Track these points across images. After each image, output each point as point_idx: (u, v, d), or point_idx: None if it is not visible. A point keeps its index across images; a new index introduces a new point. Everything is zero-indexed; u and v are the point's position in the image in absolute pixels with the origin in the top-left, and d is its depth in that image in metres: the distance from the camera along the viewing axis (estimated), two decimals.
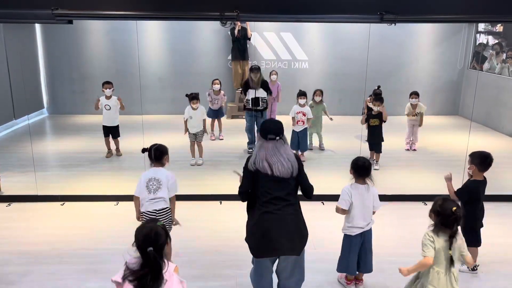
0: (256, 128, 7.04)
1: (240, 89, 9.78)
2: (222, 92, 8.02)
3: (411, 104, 7.34)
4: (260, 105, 6.94)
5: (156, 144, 3.78)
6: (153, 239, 2.27)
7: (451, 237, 2.83)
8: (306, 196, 3.16)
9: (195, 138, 6.64)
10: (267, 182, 2.97)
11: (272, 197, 2.95)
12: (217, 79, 8.01)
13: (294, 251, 2.93)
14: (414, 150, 7.51)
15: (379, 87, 7.69)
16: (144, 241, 2.26)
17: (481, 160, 3.72)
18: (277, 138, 3.00)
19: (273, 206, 2.94)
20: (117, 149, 7.19)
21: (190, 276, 3.77)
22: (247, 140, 7.35)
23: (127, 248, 2.36)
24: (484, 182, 3.82)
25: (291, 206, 2.98)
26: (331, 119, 7.28)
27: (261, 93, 6.95)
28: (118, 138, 7.16)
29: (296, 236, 2.94)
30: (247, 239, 3.06)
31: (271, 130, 3.01)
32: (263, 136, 3.03)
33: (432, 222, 2.91)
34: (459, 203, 2.87)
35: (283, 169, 2.95)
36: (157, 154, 3.73)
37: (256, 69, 6.93)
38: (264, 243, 2.92)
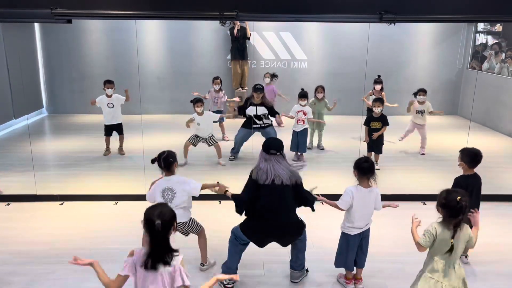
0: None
1: (240, 88, 9.81)
2: (222, 91, 8.01)
3: (418, 102, 7.15)
4: (264, 121, 6.73)
5: (165, 152, 3.75)
6: (161, 214, 2.38)
7: (455, 227, 2.80)
8: (309, 206, 3.65)
9: (196, 142, 6.59)
10: (266, 191, 3.37)
11: (269, 205, 3.40)
12: (218, 78, 7.98)
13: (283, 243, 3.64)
14: (423, 154, 7.32)
15: (379, 76, 7.72)
16: (152, 215, 2.37)
17: (471, 158, 3.85)
18: (278, 153, 3.45)
19: (269, 213, 3.41)
20: (121, 147, 7.15)
21: (189, 276, 3.77)
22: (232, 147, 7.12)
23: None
24: (474, 176, 3.89)
25: (285, 214, 3.46)
26: (335, 101, 7.26)
27: (262, 110, 6.70)
28: (123, 136, 7.10)
29: (284, 237, 3.56)
30: (243, 226, 3.57)
31: (273, 146, 3.48)
32: (265, 151, 3.47)
33: (440, 216, 2.89)
34: (464, 192, 2.84)
35: (283, 178, 3.37)
36: (166, 164, 3.73)
37: (259, 90, 6.65)
38: (256, 238, 3.55)
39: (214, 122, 8.00)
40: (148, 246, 2.41)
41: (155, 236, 2.37)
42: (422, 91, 7.14)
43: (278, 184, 3.36)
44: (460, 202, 2.74)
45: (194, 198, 5.35)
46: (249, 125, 6.77)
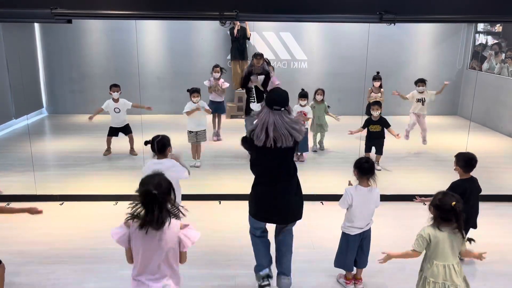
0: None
1: (240, 88, 9.79)
2: (221, 80, 8.00)
3: (418, 92, 7.22)
4: (264, 96, 6.65)
5: (159, 136, 3.78)
6: (157, 184, 2.34)
7: (459, 230, 2.82)
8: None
9: (196, 139, 6.58)
10: (264, 153, 3.09)
11: (267, 170, 3.16)
12: (218, 67, 7.96)
13: (283, 222, 3.31)
14: (425, 143, 7.42)
15: (378, 73, 7.74)
16: (149, 184, 2.33)
17: (466, 163, 3.87)
18: (282, 109, 3.05)
19: (267, 179, 3.17)
20: (132, 147, 7.13)
21: (189, 276, 3.77)
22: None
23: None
24: (471, 180, 3.91)
25: (284, 180, 3.18)
26: (338, 119, 7.17)
27: (258, 84, 6.70)
28: (132, 135, 7.09)
29: (284, 210, 3.23)
30: (249, 203, 3.35)
31: (278, 101, 3.05)
32: (269, 106, 3.06)
33: (431, 216, 2.91)
34: (459, 198, 2.86)
35: (286, 141, 3.04)
36: (160, 147, 3.74)
37: (259, 55, 6.67)
38: (258, 212, 3.27)
39: (214, 113, 7.98)
40: (143, 216, 2.35)
41: (151, 206, 2.31)
42: (421, 82, 7.24)
43: (280, 147, 3.04)
44: (455, 207, 2.77)
45: (193, 198, 5.38)
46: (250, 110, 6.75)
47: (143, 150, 5.90)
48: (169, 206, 2.40)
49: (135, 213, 2.37)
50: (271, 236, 3.54)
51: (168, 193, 2.39)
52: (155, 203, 2.30)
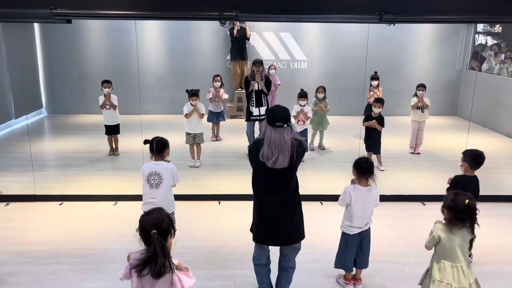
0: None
1: (240, 89, 9.81)
2: (222, 89, 7.99)
3: (417, 97, 7.18)
4: (263, 103, 6.72)
5: (158, 137, 3.81)
6: (156, 223, 2.27)
7: (472, 227, 2.80)
8: None
9: (194, 140, 6.60)
10: (266, 172, 2.99)
11: (269, 190, 3.06)
12: (218, 76, 7.98)
13: (286, 243, 3.20)
14: (418, 153, 7.35)
15: (376, 72, 7.73)
16: (148, 224, 2.27)
17: (473, 159, 3.84)
18: (285, 125, 2.95)
19: (270, 199, 3.07)
20: (116, 147, 7.17)
21: None
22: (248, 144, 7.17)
23: (130, 242, 2.34)
24: (473, 178, 3.89)
25: (286, 202, 3.08)
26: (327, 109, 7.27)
27: (262, 84, 6.67)
28: (118, 136, 7.12)
29: (286, 232, 3.13)
30: (252, 225, 3.26)
31: (280, 117, 2.95)
32: (270, 123, 2.96)
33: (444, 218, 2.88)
34: (471, 195, 2.83)
35: (285, 160, 2.92)
36: (159, 148, 3.76)
37: (259, 62, 6.69)
38: (260, 233, 3.17)
39: (215, 122, 8.02)
40: (145, 252, 2.27)
41: (151, 245, 2.23)
42: (422, 86, 7.17)
43: (277, 168, 2.94)
44: (469, 205, 2.74)
45: (192, 198, 5.39)
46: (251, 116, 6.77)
47: (142, 150, 5.90)
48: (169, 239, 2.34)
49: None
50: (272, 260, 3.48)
51: (168, 230, 2.32)
52: (154, 243, 2.22)
